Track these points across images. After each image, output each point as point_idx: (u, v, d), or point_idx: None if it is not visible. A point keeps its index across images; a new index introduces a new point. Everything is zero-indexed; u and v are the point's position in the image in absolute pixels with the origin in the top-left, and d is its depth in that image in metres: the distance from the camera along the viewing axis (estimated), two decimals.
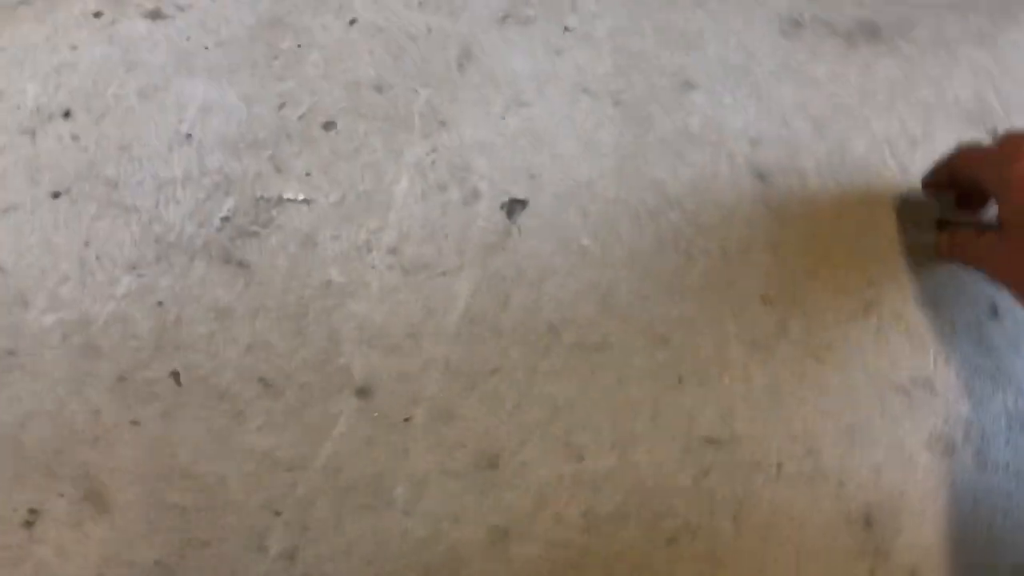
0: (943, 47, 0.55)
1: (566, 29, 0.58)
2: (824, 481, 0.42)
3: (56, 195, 0.52)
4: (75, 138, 0.54)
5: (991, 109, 0.53)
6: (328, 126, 0.55)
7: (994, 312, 0.47)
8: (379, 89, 0.57)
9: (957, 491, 0.41)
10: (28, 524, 0.43)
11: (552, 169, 0.54)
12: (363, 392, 0.45)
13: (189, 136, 0.55)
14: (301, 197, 0.53)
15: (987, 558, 0.40)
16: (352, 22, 0.58)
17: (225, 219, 0.53)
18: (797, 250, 0.50)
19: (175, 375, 0.46)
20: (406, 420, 0.44)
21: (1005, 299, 0.47)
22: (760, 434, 0.43)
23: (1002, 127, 0.53)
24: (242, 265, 0.51)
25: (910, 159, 0.52)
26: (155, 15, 0.57)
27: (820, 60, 0.56)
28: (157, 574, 0.41)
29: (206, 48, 0.58)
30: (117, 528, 0.42)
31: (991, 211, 0.46)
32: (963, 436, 0.43)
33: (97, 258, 0.50)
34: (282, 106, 0.56)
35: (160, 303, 0.49)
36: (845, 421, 0.43)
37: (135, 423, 0.45)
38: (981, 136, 0.52)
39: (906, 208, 0.51)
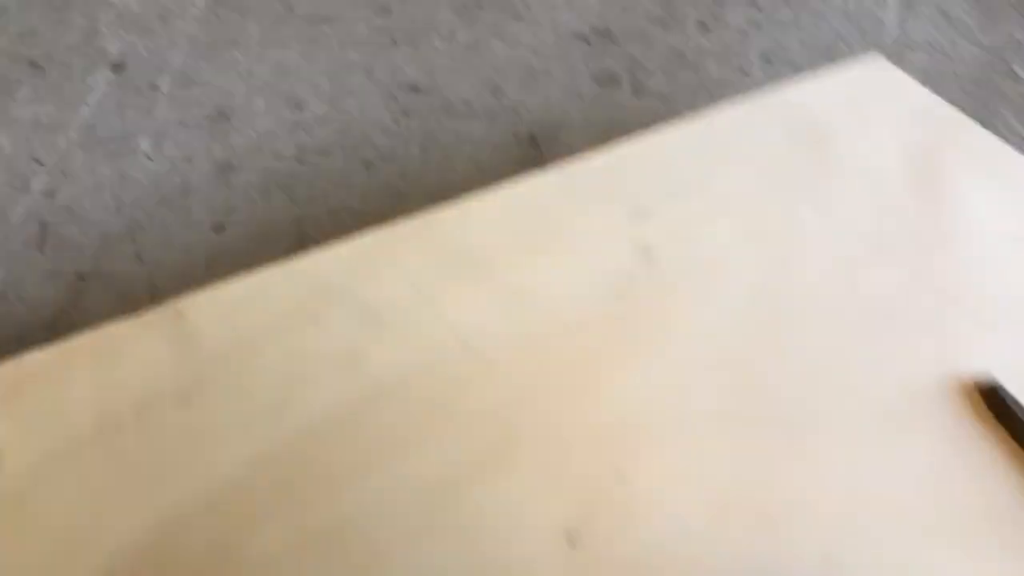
0: None
1: None
2: (503, 113, 0.49)
3: None
4: None
5: None
6: None
7: None
8: None
9: (614, 113, 0.49)
10: None
11: None
12: (116, 67, 0.52)
13: None
14: None
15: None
16: None
17: None
18: None
19: None
20: (153, 87, 0.51)
21: None
22: (456, 81, 0.50)
23: None
24: None
25: None
26: None
27: None
28: None
29: None
30: None
31: None
32: (627, 72, 0.49)
33: None
34: None
35: None
36: (530, 66, 0.50)
37: None
38: None
39: None
